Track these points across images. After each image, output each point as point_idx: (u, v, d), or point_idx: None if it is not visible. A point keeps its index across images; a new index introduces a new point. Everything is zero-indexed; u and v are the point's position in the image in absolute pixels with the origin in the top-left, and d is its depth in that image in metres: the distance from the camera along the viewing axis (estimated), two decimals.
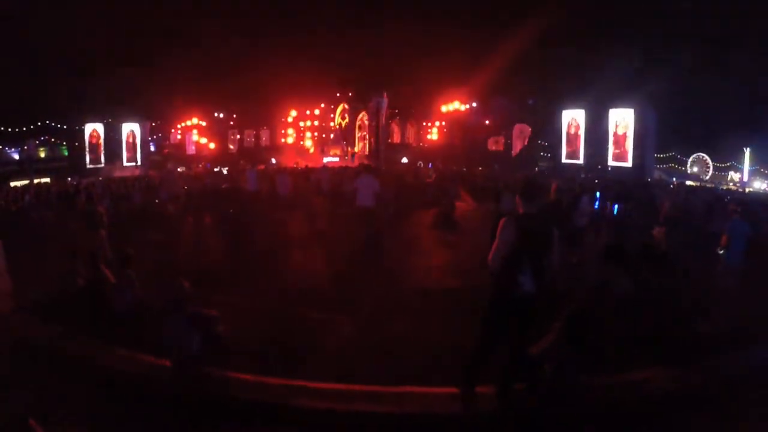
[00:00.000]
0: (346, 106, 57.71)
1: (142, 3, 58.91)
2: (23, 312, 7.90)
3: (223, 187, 26.71)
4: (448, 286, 9.05)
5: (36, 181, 39.08)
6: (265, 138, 60.89)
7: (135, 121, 48.56)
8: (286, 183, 20.62)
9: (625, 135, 40.26)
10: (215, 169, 45.57)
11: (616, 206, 17.03)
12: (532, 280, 4.89)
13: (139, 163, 48.84)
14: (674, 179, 46.09)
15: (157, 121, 55.58)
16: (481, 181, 28.78)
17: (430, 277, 9.99)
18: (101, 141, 47.31)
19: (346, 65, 54.47)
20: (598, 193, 18.43)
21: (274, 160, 51.85)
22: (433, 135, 56.19)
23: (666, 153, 53.06)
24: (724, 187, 43.54)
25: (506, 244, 4.94)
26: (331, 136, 58.06)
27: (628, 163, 39.94)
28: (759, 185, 49.88)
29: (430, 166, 41.67)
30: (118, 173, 43.25)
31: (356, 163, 45.07)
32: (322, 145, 56.33)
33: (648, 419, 5.20)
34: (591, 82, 40.89)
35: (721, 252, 8.52)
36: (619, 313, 7.43)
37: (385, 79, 52.17)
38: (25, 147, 47.10)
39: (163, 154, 56.62)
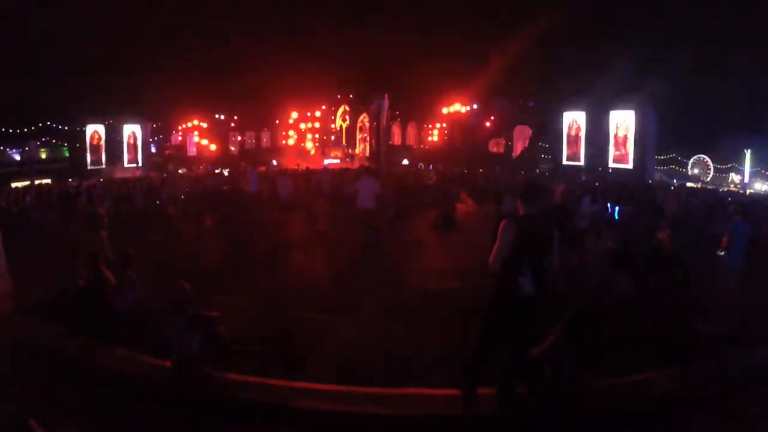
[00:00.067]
0: (347, 108, 57.68)
1: (143, 4, 59.02)
2: (24, 312, 7.91)
3: (224, 188, 26.75)
4: (449, 287, 9.05)
5: (37, 182, 39.12)
6: (266, 139, 60.86)
7: (136, 123, 48.50)
8: (286, 185, 20.64)
9: (625, 137, 40.20)
10: (216, 171, 45.59)
11: (617, 208, 17.02)
12: (532, 281, 4.90)
13: (140, 164, 48.80)
14: (675, 181, 46.06)
15: (158, 123, 55.54)
16: (482, 183, 28.80)
17: (431, 278, 9.99)
18: (102, 142, 47.23)
19: (346, 67, 54.38)
20: (598, 195, 18.46)
21: (275, 162, 51.86)
22: (434, 137, 56.17)
23: (666, 154, 52.95)
24: (725, 189, 43.50)
25: (507, 246, 4.95)
26: (332, 137, 58.06)
27: (629, 165, 39.88)
28: (760, 187, 49.79)
29: (430, 167, 41.67)
30: (119, 174, 43.25)
31: (356, 164, 45.08)
32: (323, 147, 56.33)
33: (648, 419, 5.20)
34: (591, 84, 40.84)
35: (722, 253, 8.53)
36: (619, 313, 7.45)
37: (386, 81, 52.17)
38: (26, 148, 47.13)
39: (164, 156, 56.64)
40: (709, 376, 5.99)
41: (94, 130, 46.70)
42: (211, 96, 54.31)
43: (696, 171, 54.11)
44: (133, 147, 48.79)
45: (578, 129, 43.32)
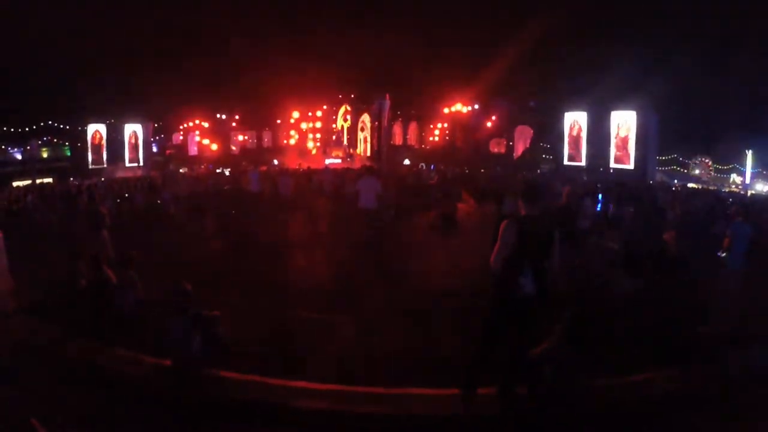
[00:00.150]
0: (349, 108, 57.72)
1: (145, 4, 59.05)
2: (25, 312, 7.92)
3: (226, 188, 26.77)
4: (449, 287, 9.04)
5: (38, 181, 39.17)
6: (267, 139, 60.96)
7: (137, 122, 48.58)
8: (288, 184, 20.65)
9: (627, 137, 40.18)
10: (217, 170, 45.63)
11: (609, 206, 17.06)
12: (533, 281, 4.90)
13: (141, 163, 48.87)
14: (676, 181, 46.04)
15: (159, 122, 55.62)
16: (483, 183, 28.78)
17: (431, 278, 9.97)
18: (104, 142, 47.32)
19: (348, 66, 54.44)
20: (600, 196, 18.49)
21: (276, 162, 51.88)
22: (435, 137, 56.17)
23: (668, 155, 52.98)
24: (726, 190, 43.47)
25: (507, 246, 4.95)
26: (333, 137, 58.07)
27: (630, 166, 39.84)
28: (761, 188, 49.78)
29: (432, 167, 41.66)
30: (120, 174, 43.34)
31: (356, 164, 45.08)
32: (324, 147, 56.34)
33: (648, 420, 5.20)
34: (593, 84, 40.85)
35: (723, 254, 8.52)
36: (620, 313, 7.46)
37: (388, 81, 52.20)
38: (28, 147, 47.22)
39: (166, 155, 56.74)
40: (710, 377, 5.99)
41: (96, 130, 46.78)
42: (212, 95, 54.43)
43: (697, 172, 54.13)
44: (134, 146, 48.87)
45: (579, 129, 43.29)
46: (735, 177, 53.64)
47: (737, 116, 45.84)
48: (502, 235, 5.00)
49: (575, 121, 43.58)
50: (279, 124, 59.75)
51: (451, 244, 13.64)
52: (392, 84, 51.55)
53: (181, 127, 58.25)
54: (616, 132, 40.82)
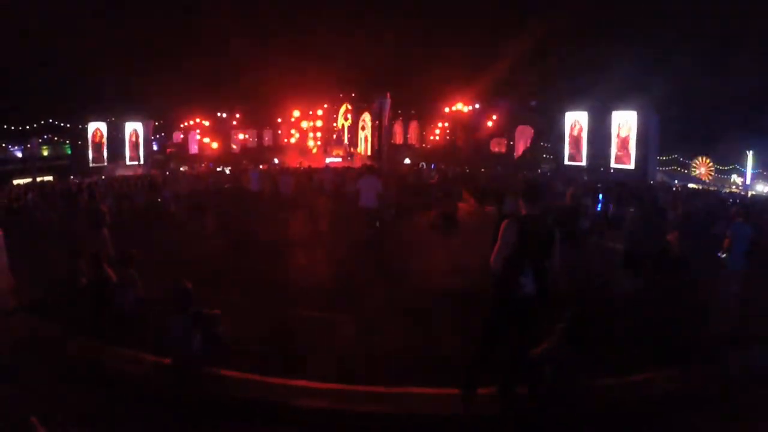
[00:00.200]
0: (349, 107, 57.71)
1: (146, 3, 59.05)
2: (25, 310, 7.92)
3: (226, 186, 26.77)
4: (450, 286, 9.03)
5: (39, 179, 39.18)
6: (267, 138, 60.97)
7: (138, 120, 48.60)
8: (288, 183, 20.65)
9: (627, 137, 40.18)
10: (218, 169, 45.64)
11: (609, 206, 17.05)
12: (534, 281, 4.90)
13: (141, 162, 48.88)
14: (676, 181, 46.05)
15: (160, 121, 55.62)
16: (484, 183, 28.77)
17: (432, 277, 9.97)
18: (104, 140, 47.34)
19: (349, 65, 54.45)
20: (600, 196, 18.46)
21: (276, 160, 51.89)
22: (436, 136, 56.18)
23: (668, 155, 52.99)
24: (727, 190, 43.47)
25: (508, 246, 4.95)
26: (334, 136, 58.06)
27: (631, 166, 39.85)
28: (762, 188, 49.78)
29: (432, 167, 41.65)
30: (120, 172, 43.35)
31: (356, 163, 45.06)
32: (325, 146, 56.35)
33: (648, 420, 5.20)
34: (594, 84, 40.85)
35: (724, 255, 8.52)
36: (620, 313, 7.46)
37: (389, 80, 52.21)
38: (28, 145, 47.21)
39: (166, 154, 56.76)
40: (710, 377, 5.99)
41: (96, 128, 46.82)
42: (213, 94, 54.45)
43: (698, 172, 54.11)
44: (134, 145, 48.90)
45: (580, 129, 43.28)
46: (735, 177, 53.64)
47: (738, 116, 45.86)
48: (502, 234, 5.00)
49: (576, 120, 43.57)
50: (280, 122, 59.78)
51: (451, 243, 13.64)
52: (393, 83, 51.59)
53: (182, 126, 58.24)
54: (617, 132, 40.81)
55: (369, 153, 52.31)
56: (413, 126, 58.56)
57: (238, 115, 58.95)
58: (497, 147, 52.77)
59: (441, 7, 63.36)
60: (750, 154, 50.34)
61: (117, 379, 5.82)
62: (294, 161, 45.13)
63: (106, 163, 46.75)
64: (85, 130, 46.66)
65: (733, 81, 44.50)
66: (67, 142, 51.35)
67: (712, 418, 5.13)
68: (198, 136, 57.32)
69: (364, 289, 9.05)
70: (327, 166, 35.52)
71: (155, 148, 55.10)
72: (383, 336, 7.08)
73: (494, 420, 5.13)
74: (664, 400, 5.46)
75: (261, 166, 37.58)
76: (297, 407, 5.28)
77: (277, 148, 58.05)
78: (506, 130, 51.46)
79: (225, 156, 54.45)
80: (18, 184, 34.88)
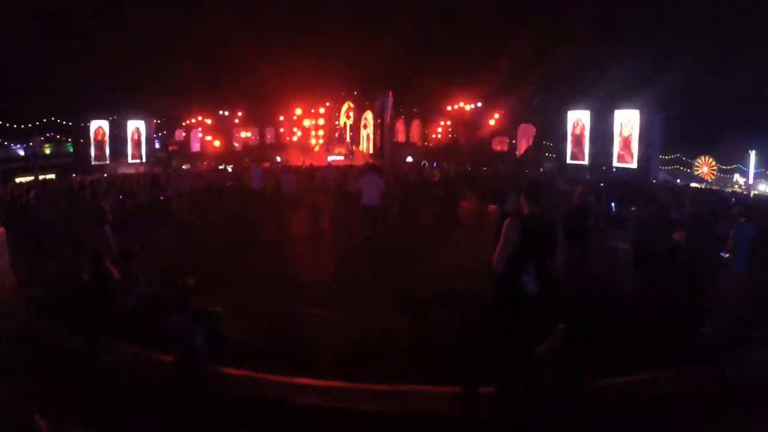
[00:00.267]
0: (351, 105, 57.71)
1: (148, 1, 59.04)
2: (27, 307, 7.93)
3: (228, 184, 26.76)
4: (452, 285, 9.03)
5: (41, 177, 39.18)
6: (270, 136, 60.97)
7: (140, 119, 48.58)
8: (290, 181, 20.65)
9: (630, 136, 40.08)
10: (220, 167, 45.64)
11: (612, 205, 17.00)
12: (536, 280, 4.90)
13: (144, 160, 48.87)
14: (678, 180, 46.00)
15: (162, 119, 55.63)
16: (486, 181, 28.74)
17: (434, 276, 9.97)
18: (106, 138, 47.35)
19: (351, 64, 54.43)
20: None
21: (278, 159, 51.89)
22: (438, 134, 56.15)
23: (671, 155, 52.92)
24: (730, 190, 43.40)
25: (510, 244, 4.95)
26: (336, 134, 58.06)
27: (634, 165, 39.77)
28: (764, 188, 49.70)
29: (434, 165, 41.60)
30: (122, 170, 43.35)
31: (357, 161, 45.03)
32: (327, 144, 56.34)
33: (648, 420, 5.19)
34: (596, 83, 40.80)
35: (727, 255, 8.50)
36: (622, 313, 7.45)
37: (391, 78, 52.12)
38: (31, 143, 47.20)
39: (168, 152, 56.75)
40: (709, 378, 5.98)
41: (98, 126, 46.82)
42: (215, 92, 54.43)
43: (700, 171, 54.04)
44: (137, 143, 48.87)
45: (583, 128, 43.17)
46: (738, 177, 53.56)
47: (741, 116, 45.79)
48: (504, 233, 4.99)
49: (578, 119, 43.46)
50: (282, 121, 59.80)
51: (453, 242, 13.63)
52: (395, 81, 51.50)
53: (184, 124, 58.26)
54: (620, 131, 40.73)
55: (371, 151, 52.28)
56: (415, 124, 58.50)
57: (240, 113, 58.97)
58: (499, 145, 52.70)
59: (444, 6, 63.28)
60: (753, 154, 50.25)
61: (119, 376, 5.82)
62: (296, 159, 45.13)
63: (108, 161, 46.75)
64: (88, 128, 46.66)
65: (736, 80, 44.48)
66: (70, 140, 51.36)
67: (712, 418, 5.13)
68: (200, 134, 57.34)
69: (366, 287, 9.07)
70: (329, 165, 35.50)
71: (157, 146, 55.07)
72: (385, 334, 7.09)
73: (495, 420, 5.12)
74: (663, 400, 5.45)
75: (263, 164, 37.50)
76: (299, 405, 5.28)
77: (280, 146, 58.09)
78: (508, 129, 51.39)
79: (227, 154, 54.48)
80: (20, 182, 34.86)
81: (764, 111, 42.86)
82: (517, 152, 50.72)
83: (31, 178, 38.92)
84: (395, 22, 56.89)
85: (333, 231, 15.44)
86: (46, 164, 47.01)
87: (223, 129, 57.63)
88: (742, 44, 46.59)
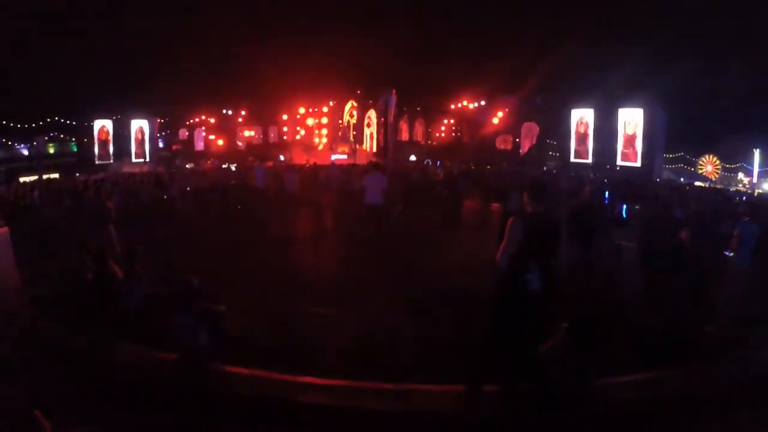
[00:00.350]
0: (355, 104, 57.69)
1: (152, 1, 59.12)
2: (31, 306, 7.95)
3: (232, 183, 26.77)
4: (455, 284, 9.03)
5: (45, 176, 39.26)
6: (273, 135, 60.95)
7: (144, 118, 48.61)
8: (294, 180, 20.64)
9: (634, 134, 40.01)
10: (223, 166, 45.67)
11: (625, 206, 16.96)
12: (539, 278, 4.89)
13: (147, 159, 48.91)
14: (682, 179, 45.92)
15: (165, 118, 55.67)
16: (489, 180, 28.72)
17: (437, 275, 9.97)
18: (110, 137, 47.42)
19: (354, 63, 54.41)
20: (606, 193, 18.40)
21: (282, 157, 51.88)
22: (442, 133, 56.12)
23: (675, 153, 52.81)
24: (734, 189, 43.28)
25: (514, 243, 4.95)
26: (339, 133, 58.04)
27: (637, 163, 39.70)
28: None
29: (438, 164, 41.57)
30: (126, 169, 43.38)
31: (358, 159, 45.02)
32: (331, 143, 56.34)
33: (653, 420, 5.18)
34: (600, 82, 40.73)
35: (731, 254, 8.48)
36: (624, 312, 7.44)
37: (394, 77, 52.09)
38: (35, 143, 47.31)
39: (172, 151, 56.80)
40: (714, 377, 5.97)
41: (102, 125, 46.90)
42: (218, 91, 54.46)
43: (704, 170, 53.92)
44: (140, 142, 48.88)
45: (586, 126, 43.10)
46: (742, 176, 53.43)
47: (745, 115, 45.68)
48: (508, 231, 4.99)
49: (582, 118, 43.40)
50: (285, 120, 59.80)
51: (457, 240, 13.63)
52: (399, 80, 51.48)
53: (188, 123, 58.30)
54: (623, 129, 40.65)
55: (374, 150, 52.26)
56: (419, 123, 58.46)
57: (243, 112, 58.96)
58: (503, 144, 52.64)
59: (447, 5, 63.27)
60: (757, 152, 50.13)
61: (122, 375, 5.83)
62: (299, 158, 45.12)
63: (111, 161, 46.82)
64: (91, 128, 46.75)
65: (741, 79, 44.36)
66: (73, 139, 51.48)
67: (716, 418, 5.11)
68: (203, 133, 57.39)
69: (369, 285, 9.06)
70: (332, 163, 35.47)
71: (161, 145, 55.13)
72: (389, 333, 7.09)
73: (498, 419, 5.12)
74: (667, 399, 5.44)
75: (266, 163, 37.52)
76: (303, 404, 5.28)
77: (283, 145, 58.07)
78: (512, 128, 51.31)
79: (230, 153, 54.49)
80: (24, 182, 34.94)
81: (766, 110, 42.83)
82: (520, 151, 50.64)
83: (35, 177, 38.98)
84: (398, 20, 56.95)
85: (336, 230, 15.45)
86: (50, 164, 47.11)
87: (227, 128, 57.64)
88: (747, 43, 46.50)
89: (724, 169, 54.60)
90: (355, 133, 57.39)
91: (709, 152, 54.87)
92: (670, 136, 42.49)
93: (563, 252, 5.17)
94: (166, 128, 57.29)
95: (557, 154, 48.06)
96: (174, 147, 57.70)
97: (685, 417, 5.14)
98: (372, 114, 54.86)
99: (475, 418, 5.12)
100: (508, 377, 5.25)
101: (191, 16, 55.27)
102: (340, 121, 58.85)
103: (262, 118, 60.21)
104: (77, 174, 40.67)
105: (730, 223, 10.00)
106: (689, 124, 45.53)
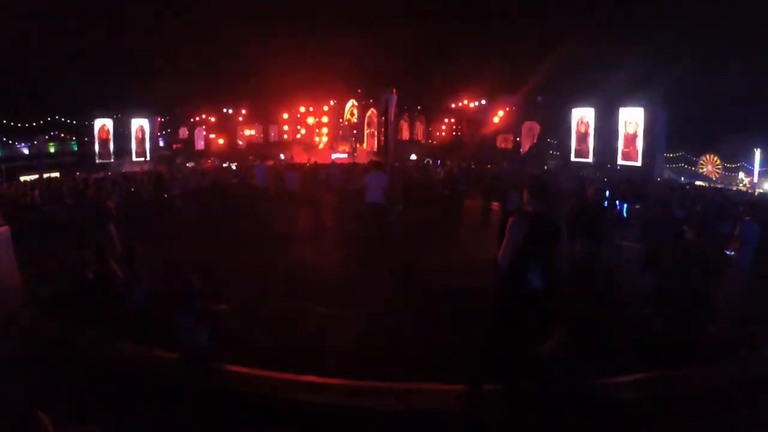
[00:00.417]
0: (355, 103, 57.71)
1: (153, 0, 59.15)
2: (32, 306, 7.94)
3: (233, 182, 26.78)
4: (456, 283, 9.03)
5: (46, 175, 39.30)
6: (273, 134, 60.99)
7: (144, 117, 48.65)
8: (294, 179, 20.63)
9: (635, 134, 40.01)
10: (224, 165, 45.68)
11: (626, 206, 16.95)
12: (541, 277, 4.89)
13: (148, 158, 48.94)
14: (682, 178, 45.89)
15: (166, 117, 55.71)
16: (490, 179, 28.72)
17: (438, 274, 9.97)
18: (110, 136, 47.46)
19: (355, 62, 54.40)
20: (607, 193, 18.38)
21: (282, 156, 51.90)
22: (442, 132, 56.12)
23: (675, 153, 52.78)
24: (734, 188, 43.25)
25: (516, 242, 4.95)
26: (340, 132, 58.07)
27: (638, 163, 39.70)
28: None
29: (438, 163, 41.56)
30: (127, 168, 43.43)
31: (358, 158, 45.03)
32: (331, 142, 56.37)
33: (654, 419, 5.18)
34: (601, 81, 40.70)
35: (732, 254, 8.48)
36: (625, 312, 7.43)
37: (395, 76, 52.11)
38: (35, 142, 47.35)
39: (173, 150, 56.83)
40: (714, 377, 5.97)
41: (103, 124, 46.98)
42: (219, 90, 54.50)
43: (705, 170, 53.89)
44: (141, 141, 48.93)
45: (587, 125, 43.10)
46: (742, 175, 53.37)
47: (746, 114, 45.63)
48: (510, 231, 4.99)
49: (583, 117, 43.39)
50: (286, 119, 59.83)
51: (457, 240, 13.64)
52: (399, 79, 51.51)
53: (189, 122, 58.33)
54: (624, 128, 40.65)
55: (375, 149, 52.26)
56: (419, 122, 58.46)
57: (244, 111, 59.00)
58: (503, 143, 52.64)
59: (448, 4, 63.26)
60: (758, 152, 50.09)
61: (123, 374, 5.83)
62: (300, 157, 45.12)
63: (112, 160, 46.87)
64: (92, 127, 46.83)
65: (742, 79, 44.33)
66: (74, 138, 51.54)
67: (716, 418, 5.11)
68: (204, 132, 57.43)
69: (369, 285, 9.05)
70: (333, 162, 35.48)
71: (161, 144, 55.17)
72: (390, 332, 7.10)
73: (499, 418, 5.12)
74: (668, 399, 5.44)
75: (267, 162, 37.47)
76: (304, 403, 5.28)
77: (283, 144, 58.10)
78: (513, 127, 51.31)
79: (231, 152, 54.53)
80: (25, 181, 34.98)
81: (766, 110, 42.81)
82: (521, 150, 50.64)
83: (36, 176, 39.05)
84: (399, 20, 56.93)
85: (337, 229, 15.44)
86: (51, 163, 47.24)
87: (227, 127, 57.72)
88: (748, 42, 46.44)
89: (724, 168, 54.53)
90: (355, 132, 57.42)
91: (709, 152, 54.82)
92: (671, 136, 42.47)
93: (564, 252, 5.15)
94: (166, 127, 57.37)
95: (558, 153, 48.04)
96: (174, 146, 57.76)
97: (685, 417, 5.14)
98: (372, 113, 54.88)
99: (475, 418, 5.12)
100: (509, 377, 5.24)
101: (191, 15, 55.28)
102: (340, 120, 58.86)
103: (263, 117, 60.28)
104: (78, 173, 40.70)
105: (731, 222, 10.00)
106: (690, 123, 45.49)
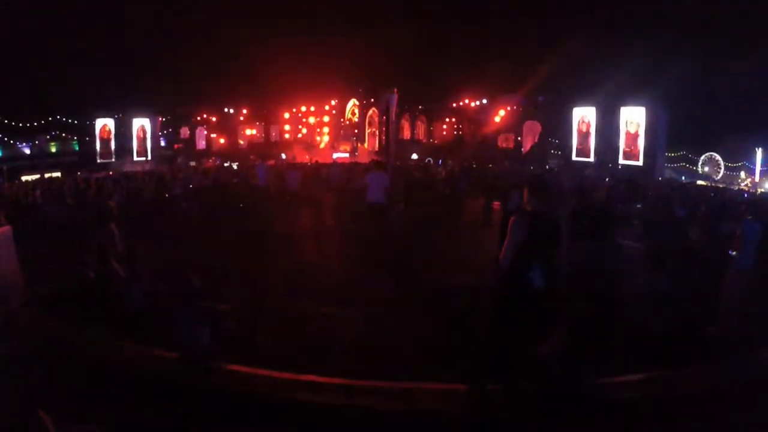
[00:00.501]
0: (357, 102, 57.71)
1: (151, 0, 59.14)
2: (33, 305, 7.95)
3: (234, 181, 26.79)
4: (457, 283, 9.02)
5: (47, 175, 39.31)
6: (275, 133, 60.97)
7: (145, 116, 48.64)
8: (295, 178, 20.64)
9: (636, 133, 39.99)
10: (225, 164, 45.67)
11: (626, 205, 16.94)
12: (542, 277, 4.89)
13: (149, 157, 48.93)
14: (683, 178, 45.83)
15: (167, 116, 55.70)
16: (491, 178, 28.70)
17: (440, 273, 9.97)
18: (112, 136, 47.47)
19: (356, 61, 54.38)
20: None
21: (283, 156, 51.90)
22: (444, 131, 56.10)
23: (677, 152, 52.68)
24: (736, 188, 43.18)
25: (517, 242, 4.94)
26: (341, 132, 58.08)
27: (639, 162, 39.68)
28: None
29: (439, 162, 41.54)
30: (128, 168, 43.40)
31: (359, 158, 45.03)
32: (333, 141, 56.38)
33: (654, 419, 5.18)
34: (602, 80, 40.65)
35: (733, 254, 8.47)
36: (628, 312, 7.43)
37: (396, 75, 52.06)
38: (37, 142, 47.34)
39: (174, 149, 56.82)
40: (715, 377, 5.97)
41: (104, 124, 46.98)
42: (220, 90, 54.50)
43: (706, 169, 53.80)
44: (142, 140, 48.91)
45: (588, 125, 43.08)
46: (744, 175, 53.27)
47: (747, 114, 45.54)
48: (511, 230, 4.98)
49: (584, 116, 43.36)
50: (287, 118, 59.82)
51: (458, 239, 13.63)
52: (400, 79, 51.47)
53: (190, 121, 58.33)
54: (625, 128, 40.62)
55: (376, 148, 52.25)
56: (421, 121, 58.42)
57: (245, 111, 58.99)
58: (505, 143, 52.60)
59: (448, 4, 63.24)
60: (759, 151, 49.99)
61: (124, 373, 5.84)
62: (301, 156, 45.14)
63: (113, 159, 46.87)
64: (93, 126, 46.83)
65: (744, 78, 44.26)
66: (75, 138, 51.53)
67: (716, 417, 5.11)
68: (205, 132, 57.44)
69: (370, 284, 9.05)
70: (334, 162, 35.48)
71: (163, 143, 55.17)
72: (391, 331, 7.11)
73: (500, 417, 5.12)
74: (668, 399, 5.44)
75: (268, 162, 37.50)
76: (305, 402, 5.29)
77: (285, 143, 58.09)
78: (514, 126, 51.28)
79: (232, 151, 54.53)
80: (26, 181, 34.99)
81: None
82: (522, 149, 50.61)
83: (37, 176, 39.02)
84: (399, 20, 56.92)
85: (338, 228, 15.44)
86: (52, 162, 47.10)
87: (229, 126, 57.72)
88: (750, 42, 46.37)
89: (726, 167, 54.43)
90: (356, 131, 57.42)
91: (710, 151, 54.71)
92: (672, 136, 42.42)
93: (564, 251, 5.14)
94: (167, 127, 57.32)
95: (559, 153, 48.01)
96: (176, 145, 57.73)
97: (684, 417, 5.14)
98: (374, 112, 54.88)
99: (475, 417, 5.12)
100: (510, 376, 5.24)
101: (192, 15, 55.31)
102: (341, 120, 58.86)
103: (264, 116, 60.26)
104: (79, 173, 40.71)
105: (733, 222, 9.98)
106: (691, 123, 45.41)
